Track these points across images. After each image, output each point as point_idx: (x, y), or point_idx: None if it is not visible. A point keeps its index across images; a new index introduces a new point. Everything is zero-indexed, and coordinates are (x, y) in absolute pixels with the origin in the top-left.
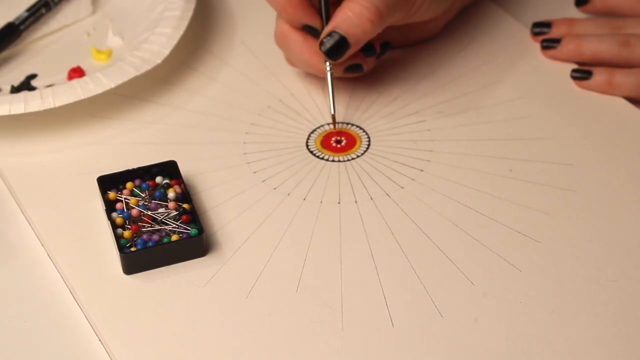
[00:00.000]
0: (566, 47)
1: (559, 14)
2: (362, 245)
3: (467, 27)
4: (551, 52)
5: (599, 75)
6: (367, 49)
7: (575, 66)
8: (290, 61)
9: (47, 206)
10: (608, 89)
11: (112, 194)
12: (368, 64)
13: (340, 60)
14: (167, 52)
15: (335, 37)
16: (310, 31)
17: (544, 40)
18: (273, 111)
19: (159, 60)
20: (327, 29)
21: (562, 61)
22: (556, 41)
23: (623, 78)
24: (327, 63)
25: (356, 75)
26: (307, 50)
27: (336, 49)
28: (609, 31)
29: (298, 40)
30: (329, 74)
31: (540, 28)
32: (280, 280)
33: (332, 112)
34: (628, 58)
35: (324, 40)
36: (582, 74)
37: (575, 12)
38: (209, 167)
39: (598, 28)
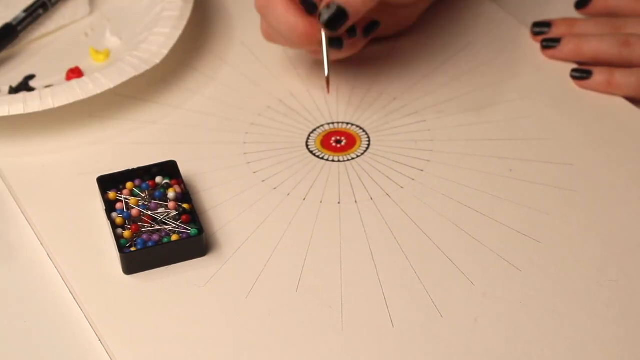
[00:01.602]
0: (566, 47)
1: (559, 13)
2: (362, 245)
3: (467, 27)
4: (551, 51)
5: (599, 75)
6: (349, 29)
7: (575, 66)
8: (268, 33)
9: (47, 206)
10: (608, 89)
11: (112, 194)
12: (357, 45)
13: (339, 33)
14: (165, 52)
15: (334, 9)
16: (306, 4)
17: (544, 40)
18: (273, 111)
19: (157, 60)
20: (325, 0)
21: (562, 61)
22: (556, 41)
23: (623, 78)
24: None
25: (337, 51)
26: (292, 12)
27: (335, 20)
28: (609, 31)
29: (282, 1)
30: (323, 35)
31: (540, 28)
32: (280, 280)
33: (327, 74)
34: (628, 58)
35: (322, 11)
36: (582, 73)
37: (575, 12)
38: (208, 167)
39: (598, 28)
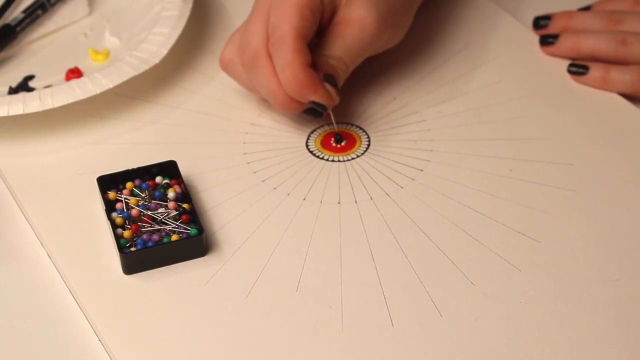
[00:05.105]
0: (563, 44)
1: None
2: (362, 245)
3: (467, 27)
4: (549, 48)
5: (595, 71)
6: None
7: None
8: (250, 86)
9: (47, 206)
10: (603, 85)
11: (112, 194)
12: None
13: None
14: (165, 51)
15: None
16: (316, 107)
17: (542, 37)
18: (273, 111)
19: (157, 60)
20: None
21: (560, 57)
22: (554, 37)
23: (618, 75)
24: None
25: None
26: (276, 80)
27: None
28: (607, 24)
29: (269, 67)
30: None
31: (541, 21)
32: (280, 280)
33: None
34: (624, 56)
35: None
36: (578, 68)
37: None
38: (208, 167)
39: (596, 21)
